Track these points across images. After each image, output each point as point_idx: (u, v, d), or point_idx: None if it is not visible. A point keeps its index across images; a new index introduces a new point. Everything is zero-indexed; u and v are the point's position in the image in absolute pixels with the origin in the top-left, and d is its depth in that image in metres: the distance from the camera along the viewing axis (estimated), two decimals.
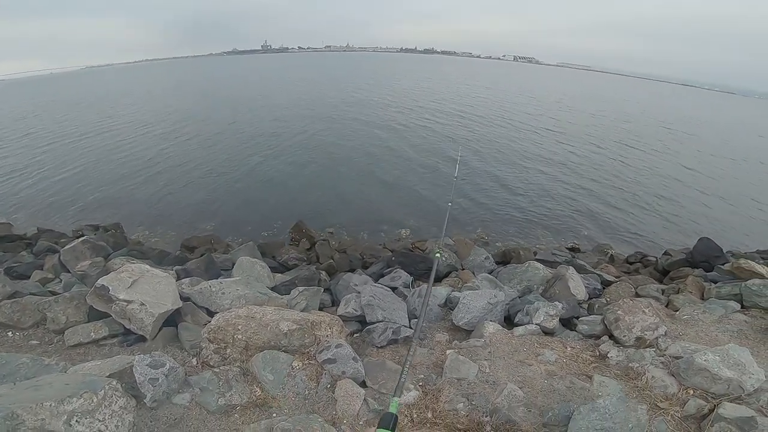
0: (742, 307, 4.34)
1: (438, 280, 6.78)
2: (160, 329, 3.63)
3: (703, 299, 4.92)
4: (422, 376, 3.40)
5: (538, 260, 6.97)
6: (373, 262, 7.80)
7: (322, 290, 5.52)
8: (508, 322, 4.72)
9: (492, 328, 4.16)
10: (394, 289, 5.69)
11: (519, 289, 5.86)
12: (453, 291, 5.39)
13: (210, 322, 3.38)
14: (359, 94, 35.21)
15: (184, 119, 24.97)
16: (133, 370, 2.58)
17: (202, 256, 6.71)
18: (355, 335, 4.26)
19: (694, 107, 56.54)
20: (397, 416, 2.06)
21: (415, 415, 2.83)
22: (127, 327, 3.53)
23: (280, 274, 6.64)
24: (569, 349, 3.72)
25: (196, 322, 3.88)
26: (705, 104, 67.53)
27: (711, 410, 2.41)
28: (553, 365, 3.40)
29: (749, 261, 5.53)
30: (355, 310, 4.66)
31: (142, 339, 3.54)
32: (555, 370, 3.32)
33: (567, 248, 9.28)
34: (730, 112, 55.63)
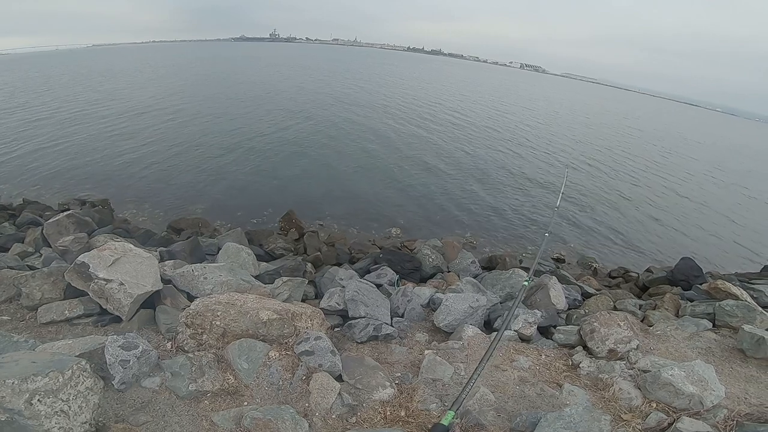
0: (713, 326, 4.44)
1: (423, 280, 6.83)
2: (137, 311, 3.59)
3: (678, 316, 5.02)
4: (399, 374, 3.43)
5: (522, 268, 7.04)
6: (360, 257, 7.81)
7: (307, 282, 5.52)
8: (488, 326, 4.77)
9: (471, 331, 4.20)
10: (379, 286, 5.72)
11: (501, 295, 5.93)
12: (437, 292, 5.43)
13: (189, 306, 3.35)
14: (360, 92, 35.07)
15: (184, 101, 24.72)
16: (105, 350, 2.55)
17: (188, 238, 6.66)
18: (336, 329, 4.27)
19: (694, 128, 57.23)
20: (449, 429, 1.99)
21: (388, 413, 2.84)
22: (104, 307, 3.50)
23: (265, 263, 6.61)
24: (544, 356, 3.78)
25: (175, 305, 3.84)
26: (706, 125, 68.34)
27: (670, 424, 2.47)
28: (527, 372, 3.45)
29: (726, 282, 5.65)
30: (338, 304, 4.68)
31: (117, 320, 3.50)
32: (528, 376, 3.37)
33: (552, 258, 9.39)
34: (729, 135, 56.42)
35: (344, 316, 4.57)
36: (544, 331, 4.66)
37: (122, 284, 3.50)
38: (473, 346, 3.87)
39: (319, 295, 5.54)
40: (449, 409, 2.43)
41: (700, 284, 6.32)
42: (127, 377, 2.55)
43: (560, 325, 4.74)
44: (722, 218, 14.96)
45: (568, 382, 3.25)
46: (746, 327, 3.74)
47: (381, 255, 7.28)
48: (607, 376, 3.20)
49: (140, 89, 28.85)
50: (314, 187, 12.23)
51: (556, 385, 3.22)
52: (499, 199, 12.93)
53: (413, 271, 6.99)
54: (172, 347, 3.19)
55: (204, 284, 4.23)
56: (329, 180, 12.95)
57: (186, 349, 3.12)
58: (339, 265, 7.22)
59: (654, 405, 2.74)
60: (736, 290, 5.21)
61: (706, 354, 3.71)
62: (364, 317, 4.34)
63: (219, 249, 6.27)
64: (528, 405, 2.95)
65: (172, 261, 5.15)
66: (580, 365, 3.56)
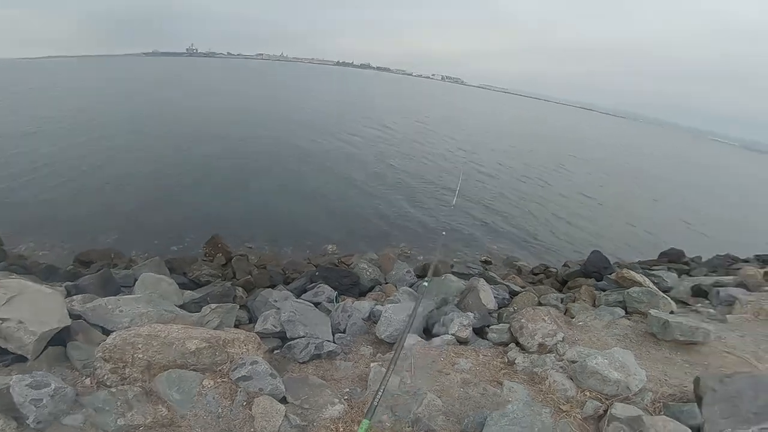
0: (626, 313, 4.95)
1: (362, 294, 6.84)
2: (44, 348, 3.21)
3: (594, 306, 5.52)
4: (347, 389, 3.40)
5: (453, 273, 7.33)
6: (295, 277, 7.62)
7: (238, 307, 5.26)
8: (427, 333, 4.88)
9: (412, 340, 4.26)
10: (317, 304, 5.64)
11: (436, 301, 6.10)
12: (376, 305, 5.46)
13: (105, 341, 3.13)
14: (287, 110, 34.48)
15: (88, 120, 22.27)
16: (11, 390, 2.36)
17: (98, 271, 6.00)
18: (276, 352, 4.15)
19: (591, 131, 64.22)
20: None
21: (341, 429, 2.82)
22: (3, 346, 3.08)
23: (190, 291, 6.18)
24: (482, 357, 3.94)
25: (89, 340, 3.50)
26: (599, 127, 77.04)
27: (605, 411, 2.69)
28: (468, 373, 3.57)
29: (630, 271, 6.35)
30: (274, 327, 4.53)
31: (22, 359, 3.12)
32: (469, 378, 3.49)
33: (480, 261, 9.90)
34: (622, 135, 64.11)
35: (283, 338, 4.42)
36: (479, 332, 4.87)
37: (21, 322, 3.11)
38: (416, 354, 3.92)
39: (253, 320, 5.33)
40: (364, 418, 2.47)
41: (610, 274, 7.03)
42: (42, 416, 2.37)
43: (493, 325, 4.98)
44: (624, 212, 17.00)
45: (507, 378, 3.41)
46: (653, 312, 4.20)
47: (317, 273, 7.17)
48: (540, 370, 3.41)
49: (31, 107, 25.51)
50: (240, 208, 11.65)
51: (497, 383, 3.37)
52: (426, 210, 13.40)
53: (352, 286, 6.96)
54: (92, 383, 2.95)
55: (120, 317, 3.90)
56: (256, 200, 12.44)
57: (108, 384, 2.93)
58: (273, 287, 6.99)
59: (588, 393, 2.97)
60: (639, 278, 5.88)
61: (623, 340, 4.11)
62: (303, 337, 4.24)
63: (135, 280, 5.75)
64: (473, 405, 3.05)
65: (81, 296, 4.60)
66: (516, 361, 3.76)
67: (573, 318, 4.91)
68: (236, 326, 4.72)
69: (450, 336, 4.44)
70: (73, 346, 3.32)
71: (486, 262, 9.94)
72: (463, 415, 2.91)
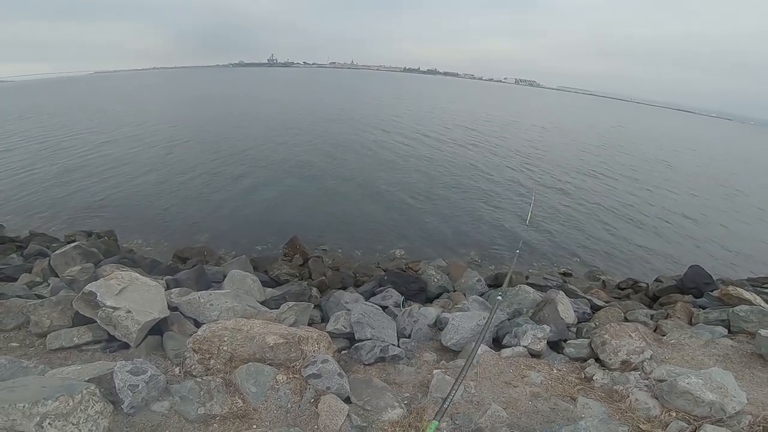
0: (729, 332, 4.36)
1: (429, 300, 6.80)
2: (144, 337, 3.60)
3: (691, 324, 4.94)
4: (408, 394, 3.39)
5: (528, 284, 6.98)
6: (365, 280, 7.80)
7: (312, 306, 5.51)
8: (497, 344, 4.70)
9: (480, 349, 4.14)
10: (384, 308, 5.69)
11: (508, 312, 5.86)
12: (443, 312, 5.41)
13: (196, 332, 3.37)
14: (361, 115, 35.67)
15: (187, 130, 25.19)
16: (114, 375, 2.56)
17: (194, 267, 6.69)
18: (343, 352, 4.24)
19: (690, 133, 57.50)
20: None
21: None
22: (112, 334, 3.50)
23: (271, 289, 6.61)
24: (555, 371, 3.71)
25: (182, 331, 3.85)
26: (701, 130, 68.68)
27: None
28: (539, 387, 3.39)
29: (737, 288, 5.58)
30: (344, 327, 4.66)
31: (125, 346, 3.50)
32: (540, 391, 3.30)
33: (559, 273, 9.31)
34: (724, 139, 56.61)
35: (351, 338, 4.53)
36: (555, 346, 4.60)
37: (129, 312, 3.52)
38: (482, 364, 3.81)
39: (325, 319, 5.52)
40: (433, 419, 2.43)
41: (711, 291, 6.23)
42: (136, 401, 2.54)
43: (570, 339, 4.67)
44: (728, 224, 14.94)
45: (582, 395, 3.18)
46: (763, 332, 3.66)
47: (386, 277, 7.27)
48: (622, 388, 3.13)
49: (141, 120, 29.37)
50: (317, 212, 12.32)
51: (570, 399, 3.16)
52: (502, 218, 12.95)
53: (419, 292, 6.96)
54: (180, 372, 3.19)
55: (210, 311, 4.24)
56: (332, 205, 13.04)
57: (194, 373, 3.13)
58: (344, 288, 7.22)
59: (674, 414, 2.67)
60: (748, 295, 5.15)
61: (723, 361, 3.63)
62: (370, 339, 4.30)
63: (224, 276, 6.27)
64: (542, 420, 2.89)
65: (178, 289, 5.16)
66: (594, 378, 3.49)
67: (664, 336, 4.44)
68: (310, 324, 4.92)
69: (522, 348, 4.25)
70: (169, 336, 3.67)
71: (566, 274, 9.32)
72: (529, 429, 2.77)
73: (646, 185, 19.48)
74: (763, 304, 4.95)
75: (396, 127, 28.72)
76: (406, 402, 3.22)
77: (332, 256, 9.37)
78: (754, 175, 27.85)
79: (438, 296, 7.02)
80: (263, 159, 18.13)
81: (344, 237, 10.67)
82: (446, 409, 2.62)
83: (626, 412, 2.81)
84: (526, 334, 4.40)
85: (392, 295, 6.30)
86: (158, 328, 3.77)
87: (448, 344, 4.41)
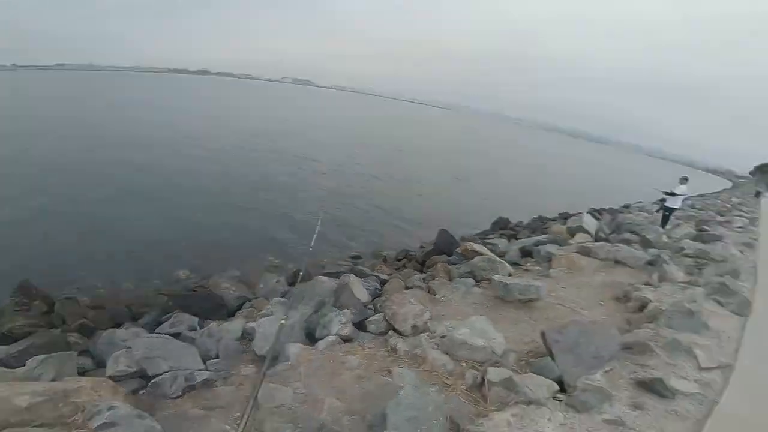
0: (476, 282, 5.69)
1: (231, 314, 6.38)
2: None
3: (450, 281, 6.19)
4: (238, 413, 3.17)
5: (325, 273, 7.36)
6: (144, 311, 6.61)
7: (77, 353, 4.43)
8: (311, 338, 4.83)
9: (295, 348, 4.19)
10: (177, 335, 5.03)
11: (312, 305, 6.05)
12: (248, 322, 5.22)
13: None
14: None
15: None
16: None
17: None
18: (141, 392, 3.66)
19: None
20: None
21: None
22: None
23: (4, 346, 4.86)
24: (367, 350, 4.11)
25: None
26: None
27: (483, 378, 3.08)
28: (359, 369, 3.69)
29: (472, 243, 7.31)
30: (129, 367, 3.95)
31: None
32: (361, 373, 3.61)
33: (350, 257, 10.13)
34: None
35: (144, 376, 3.88)
36: (360, 326, 5.01)
37: None
38: (304, 361, 3.88)
39: (101, 365, 4.49)
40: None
41: (457, 249, 7.93)
42: None
43: (371, 317, 5.19)
44: (456, 192, 19.46)
45: (395, 365, 3.64)
46: (495, 277, 4.95)
47: (170, 303, 6.41)
48: (420, 351, 3.72)
49: None
50: (54, 244, 9.30)
51: (387, 372, 3.56)
52: (289, 215, 13.05)
53: (216, 308, 6.40)
54: None
55: None
56: (73, 233, 9.95)
57: None
58: (118, 326, 5.94)
59: (464, 364, 3.35)
60: (479, 248, 6.82)
61: (479, 307, 4.73)
62: (168, 371, 3.80)
63: None
64: (373, 399, 3.16)
65: None
66: (397, 347, 4.02)
67: (436, 295, 5.42)
68: (81, 374, 4.02)
69: (334, 336, 4.50)
70: None
71: (355, 257, 10.19)
72: (365, 411, 3.00)
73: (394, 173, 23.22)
74: (489, 253, 6.68)
75: (149, 137, 24.71)
76: (238, 422, 2.98)
77: (90, 294, 7.40)
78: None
79: (239, 307, 6.63)
80: None
81: (102, 270, 8.38)
82: (246, 420, 2.61)
83: (432, 372, 3.38)
84: (332, 322, 4.72)
85: (183, 320, 5.59)
86: None
87: (263, 352, 4.27)
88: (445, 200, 18.07)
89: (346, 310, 5.07)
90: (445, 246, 8.91)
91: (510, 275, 5.59)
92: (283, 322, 4.08)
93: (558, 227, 8.15)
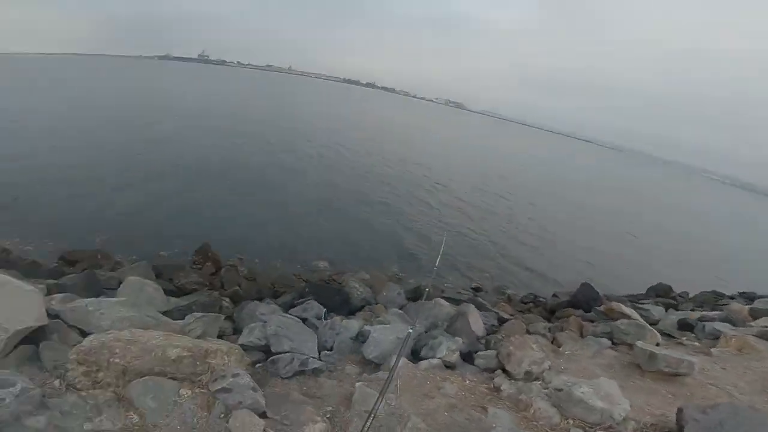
0: (612, 344, 4.97)
1: (352, 313, 6.77)
2: (15, 346, 3.11)
3: (582, 336, 5.54)
4: (330, 408, 3.33)
5: (444, 297, 7.30)
6: (285, 291, 7.52)
7: (223, 317, 5.20)
8: (415, 355, 4.82)
9: (400, 361, 4.21)
10: (304, 320, 5.54)
11: (426, 324, 6.05)
12: (365, 324, 5.41)
13: (81, 343, 3.02)
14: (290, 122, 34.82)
15: (90, 119, 22.31)
16: None
17: (83, 271, 5.90)
18: (259, 365, 4.06)
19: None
20: None
21: None
22: None
23: (176, 298, 6.10)
24: (468, 382, 3.91)
25: (65, 341, 3.40)
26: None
27: None
28: (453, 398, 3.53)
29: (619, 303, 6.39)
30: (259, 340, 4.45)
31: None
32: (455, 402, 3.44)
33: (471, 288, 9.88)
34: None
35: (267, 351, 4.33)
36: (467, 357, 4.83)
37: None
38: (402, 377, 3.88)
39: (238, 331, 5.21)
40: None
41: (598, 306, 7.07)
42: (3, 416, 2.25)
43: (481, 351, 4.95)
44: (611, 246, 17.18)
45: (492, 405, 3.38)
46: (639, 343, 4.23)
47: (307, 288, 7.09)
48: (526, 397, 3.39)
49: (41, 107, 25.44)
50: (236, 220, 11.54)
51: (481, 409, 3.34)
52: (423, 232, 13.39)
53: (342, 304, 6.88)
54: (61, 385, 2.83)
55: (100, 320, 3.80)
56: (252, 213, 12.28)
57: (78, 387, 2.81)
58: (260, 299, 6.88)
59: (571, 422, 2.96)
60: (627, 310, 5.93)
61: (608, 370, 4.12)
62: (288, 352, 4.16)
63: (120, 283, 5.66)
64: (458, 431, 2.99)
65: (61, 295, 4.51)
66: (501, 387, 3.73)
67: (560, 347, 4.93)
68: (220, 337, 4.64)
69: (437, 360, 4.41)
70: (47, 346, 3.24)
71: (476, 289, 9.93)
72: None
73: (542, 209, 21.63)
74: (638, 318, 5.74)
75: (325, 139, 28.49)
76: (328, 416, 3.14)
77: (249, 265, 8.83)
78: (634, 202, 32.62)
79: (361, 309, 7.02)
80: (179, 160, 16.55)
81: (263, 246, 10.12)
82: (368, 428, 2.57)
83: (531, 421, 3.05)
84: (441, 346, 4.59)
85: (313, 307, 6.15)
86: (34, 338, 3.29)
87: (370, 357, 4.42)
88: (599, 252, 16.02)
89: (458, 338, 4.92)
90: (585, 301, 8.01)
91: (658, 345, 4.69)
92: (411, 331, 4.16)
93: (738, 306, 6.59)
